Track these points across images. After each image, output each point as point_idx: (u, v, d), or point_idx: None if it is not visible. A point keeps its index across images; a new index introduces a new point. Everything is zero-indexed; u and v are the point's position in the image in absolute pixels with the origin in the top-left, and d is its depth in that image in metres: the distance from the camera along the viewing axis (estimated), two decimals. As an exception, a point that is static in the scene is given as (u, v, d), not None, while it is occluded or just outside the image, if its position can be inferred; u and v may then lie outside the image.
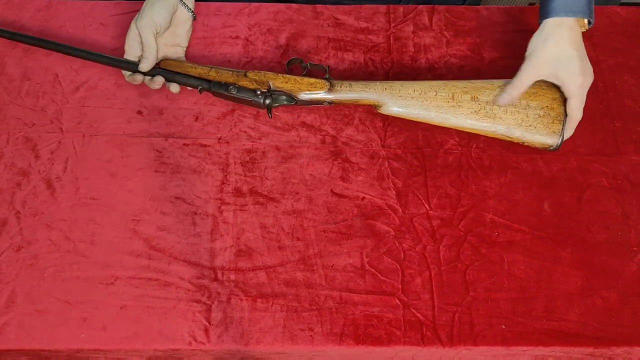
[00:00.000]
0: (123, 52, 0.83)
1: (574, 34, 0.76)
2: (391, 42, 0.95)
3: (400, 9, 0.98)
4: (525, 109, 0.79)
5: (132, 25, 0.82)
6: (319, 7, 0.98)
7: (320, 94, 0.81)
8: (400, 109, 0.81)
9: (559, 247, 0.78)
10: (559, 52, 0.76)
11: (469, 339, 0.72)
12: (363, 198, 0.81)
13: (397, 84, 0.81)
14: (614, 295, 0.75)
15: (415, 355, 0.74)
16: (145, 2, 0.83)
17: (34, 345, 0.71)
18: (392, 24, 0.97)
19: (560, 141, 0.79)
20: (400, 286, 0.75)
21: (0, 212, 0.79)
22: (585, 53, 0.78)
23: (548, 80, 0.78)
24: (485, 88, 0.80)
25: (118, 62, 0.83)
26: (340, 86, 0.81)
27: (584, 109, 0.77)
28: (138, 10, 0.82)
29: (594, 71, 0.77)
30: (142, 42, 0.82)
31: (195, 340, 0.72)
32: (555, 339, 0.73)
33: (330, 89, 0.81)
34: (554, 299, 0.75)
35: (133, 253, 0.77)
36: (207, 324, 0.73)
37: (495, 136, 0.81)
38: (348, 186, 0.82)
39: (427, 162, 0.84)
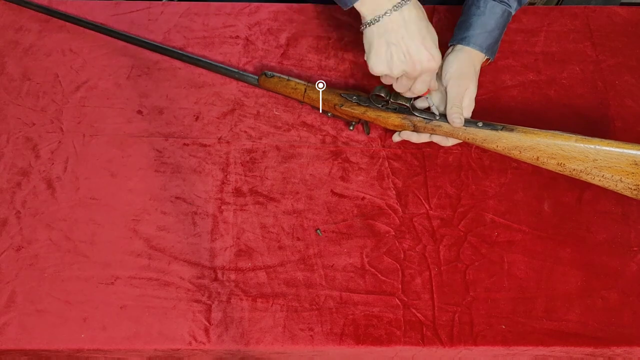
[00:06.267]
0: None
1: None
2: (391, 42, 0.95)
3: (401, 8, 0.98)
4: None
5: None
6: (320, 6, 0.98)
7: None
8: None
9: (559, 247, 0.78)
10: None
11: (469, 339, 0.72)
12: (363, 198, 0.81)
13: (480, 136, 0.77)
14: (614, 296, 0.75)
15: (416, 355, 0.74)
16: None
17: (34, 345, 0.71)
18: (392, 24, 0.97)
19: None
20: (400, 286, 0.75)
21: (0, 212, 0.79)
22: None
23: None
24: (577, 159, 0.73)
25: None
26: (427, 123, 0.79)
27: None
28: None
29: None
30: None
31: (196, 340, 0.72)
32: (555, 339, 0.73)
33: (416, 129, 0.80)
34: (554, 299, 0.75)
35: (133, 253, 0.77)
36: (207, 323, 0.73)
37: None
38: (348, 186, 0.82)
39: (427, 162, 0.84)
